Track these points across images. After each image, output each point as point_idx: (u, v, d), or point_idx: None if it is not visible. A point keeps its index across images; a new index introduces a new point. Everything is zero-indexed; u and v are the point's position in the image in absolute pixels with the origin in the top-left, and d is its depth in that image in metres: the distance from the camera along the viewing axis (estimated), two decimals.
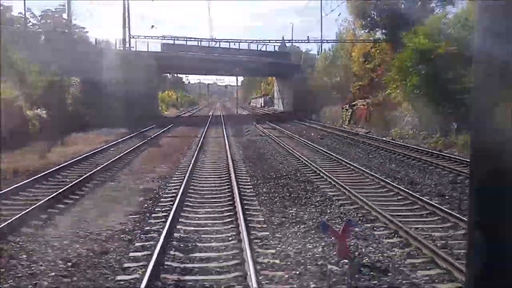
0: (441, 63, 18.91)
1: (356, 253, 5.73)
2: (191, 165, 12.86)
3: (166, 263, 5.51)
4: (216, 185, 10.65)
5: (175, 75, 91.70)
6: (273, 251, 5.93)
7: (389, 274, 5.12)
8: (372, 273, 5.12)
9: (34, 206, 7.76)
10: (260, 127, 29.62)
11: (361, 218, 7.55)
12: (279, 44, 53.59)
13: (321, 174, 11.81)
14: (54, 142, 18.14)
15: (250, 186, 10.35)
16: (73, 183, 10.13)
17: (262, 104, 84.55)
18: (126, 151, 16.32)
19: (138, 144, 18.88)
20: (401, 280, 4.96)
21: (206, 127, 28.75)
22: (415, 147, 17.31)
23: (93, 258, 5.65)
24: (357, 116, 29.53)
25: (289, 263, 5.49)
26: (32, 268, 5.32)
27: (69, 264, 5.44)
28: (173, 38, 44.42)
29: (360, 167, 12.59)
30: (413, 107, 20.94)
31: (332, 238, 5.88)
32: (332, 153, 15.63)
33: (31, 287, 4.83)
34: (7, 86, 18.55)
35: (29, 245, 6.10)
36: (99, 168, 12.40)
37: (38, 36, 36.48)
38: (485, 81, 1.31)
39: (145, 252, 5.85)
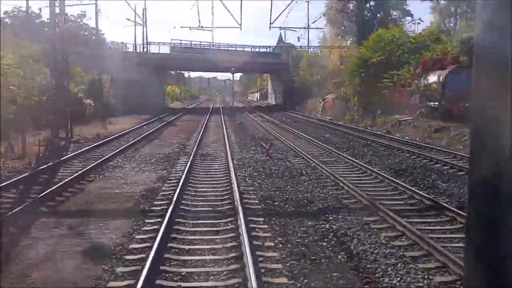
0: (373, 68, 27.05)
1: (274, 156, 13.94)
2: (200, 134, 21.02)
3: (196, 162, 13.66)
4: (216, 141, 18.84)
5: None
6: (239, 156, 14.14)
7: (282, 158, 13.32)
8: (277, 159, 13.33)
9: (127, 144, 15.99)
10: (251, 116, 37.76)
11: (287, 150, 15.73)
12: (274, 44, 62.00)
13: (278, 137, 19.94)
14: (104, 122, 26.25)
15: (234, 141, 18.55)
16: (136, 139, 18.30)
17: (258, 98, 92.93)
18: (156, 128, 24.49)
19: (162, 124, 27.03)
20: (284, 161, 13.17)
21: (208, 115, 36.82)
22: (351, 126, 25.47)
23: (165, 157, 13.88)
24: (327, 107, 37.69)
25: (244, 158, 13.70)
26: (143, 159, 13.55)
27: (157, 159, 13.65)
28: (180, 41, 52.45)
29: (305, 135, 20.66)
30: (358, 100, 29.12)
31: (264, 150, 14.12)
32: (293, 129, 23.77)
33: (144, 164, 12.98)
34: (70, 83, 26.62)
35: (136, 154, 14.33)
36: (144, 135, 20.55)
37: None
38: (485, 77, 1.27)
39: (186, 156, 14.00)
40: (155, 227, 6.73)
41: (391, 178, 10.26)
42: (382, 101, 25.60)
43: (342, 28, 45.29)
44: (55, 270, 5.25)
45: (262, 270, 5.18)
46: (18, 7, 45.22)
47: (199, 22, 48.84)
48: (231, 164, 11.97)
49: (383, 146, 16.69)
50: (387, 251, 5.86)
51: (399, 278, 5.06)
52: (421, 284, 4.94)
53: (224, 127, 25.29)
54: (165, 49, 52.35)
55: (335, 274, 5.17)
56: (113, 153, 14.15)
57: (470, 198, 1.43)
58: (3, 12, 41.45)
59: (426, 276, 5.09)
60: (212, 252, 5.86)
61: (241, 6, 39.46)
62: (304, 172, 11.43)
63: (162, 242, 5.89)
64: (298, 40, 56.24)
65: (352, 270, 5.28)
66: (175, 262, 5.52)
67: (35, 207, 7.73)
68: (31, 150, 14.05)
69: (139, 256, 5.63)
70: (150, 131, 22.69)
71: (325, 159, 13.68)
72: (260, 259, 5.52)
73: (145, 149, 16.08)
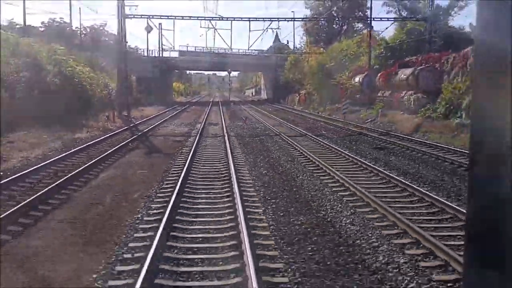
0: (328, 71, 38.53)
1: (248, 124, 25.53)
2: (206, 116, 32.57)
3: (206, 125, 25.20)
4: (216, 119, 30.42)
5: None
6: (229, 123, 25.73)
7: (252, 124, 24.90)
8: (249, 125, 24.93)
9: (163, 119, 27.59)
10: (243, 107, 49.36)
11: (256, 122, 27.27)
12: (270, 44, 73.71)
13: (255, 117, 31.44)
14: (138, 109, 37.73)
15: (228, 119, 30.14)
16: (167, 117, 29.81)
17: (253, 94, 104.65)
18: (175, 113, 36.03)
19: (177, 111, 38.56)
20: (253, 125, 24.79)
21: (209, 107, 48.33)
22: (309, 112, 36.97)
23: (189, 124, 25.48)
24: (300, 100, 49.23)
25: (232, 124, 25.31)
26: (177, 124, 25.17)
27: (184, 124, 25.24)
28: (186, 47, 64.17)
29: (274, 117, 32.14)
30: (317, 94, 40.66)
31: (243, 121, 25.74)
32: (269, 114, 35.29)
33: (179, 125, 24.54)
34: (112, 81, 38.09)
35: (172, 122, 25.95)
36: (170, 116, 32.08)
37: (91, 46, 55.77)
38: (485, 76, 1.28)
39: (199, 124, 25.52)
40: (194, 138, 18.25)
41: (300, 130, 21.80)
42: (330, 95, 37.14)
43: (317, 37, 56.54)
44: (164, 144, 16.93)
45: (231, 146, 16.71)
46: (52, 19, 56.66)
47: (206, 45, 61.28)
48: (224, 126, 23.50)
49: (314, 120, 28.28)
50: (276, 142, 17.45)
51: (276, 146, 16.58)
52: (279, 145, 16.55)
53: (221, 113, 36.81)
54: (174, 53, 63.96)
55: (255, 146, 16.76)
56: (159, 122, 25.69)
57: (470, 198, 1.39)
58: (40, 22, 53.02)
59: (285, 145, 16.65)
60: (215, 143, 17.43)
61: (231, 34, 52.14)
62: (260, 128, 23.03)
63: (198, 140, 17.41)
64: (287, 43, 67.39)
65: (262, 146, 16.87)
66: (204, 141, 17.13)
67: (143, 135, 19.33)
68: (114, 120, 25.53)
69: (192, 141, 17.17)
70: (172, 114, 34.26)
71: (276, 125, 25.18)
72: (232, 145, 17.02)
73: (176, 121, 27.67)
